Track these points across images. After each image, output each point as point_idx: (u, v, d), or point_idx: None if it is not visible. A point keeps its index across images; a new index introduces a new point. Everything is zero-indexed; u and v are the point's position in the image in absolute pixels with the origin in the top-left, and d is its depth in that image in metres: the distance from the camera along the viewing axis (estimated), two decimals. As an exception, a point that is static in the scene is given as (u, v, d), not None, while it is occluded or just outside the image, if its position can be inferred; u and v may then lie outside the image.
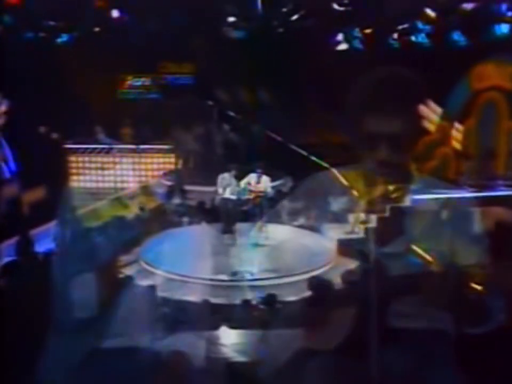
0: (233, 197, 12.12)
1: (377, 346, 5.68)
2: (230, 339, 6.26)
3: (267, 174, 12.24)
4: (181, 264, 11.10)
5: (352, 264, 11.24)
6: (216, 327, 7.46)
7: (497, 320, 6.34)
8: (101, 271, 9.34)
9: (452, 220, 12.75)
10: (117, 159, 17.57)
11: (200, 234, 12.78)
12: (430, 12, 14.01)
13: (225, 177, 12.13)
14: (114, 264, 10.93)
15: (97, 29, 16.61)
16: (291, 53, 15.77)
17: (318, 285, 8.26)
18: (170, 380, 5.53)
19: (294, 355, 5.92)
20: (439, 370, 5.45)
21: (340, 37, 16.60)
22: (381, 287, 7.52)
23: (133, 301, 8.46)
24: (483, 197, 12.55)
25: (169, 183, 15.83)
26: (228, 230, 12.18)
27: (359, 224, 12.63)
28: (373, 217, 12.73)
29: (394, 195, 12.48)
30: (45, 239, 12.32)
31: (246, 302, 9.19)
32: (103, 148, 17.59)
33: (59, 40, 16.70)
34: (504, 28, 14.37)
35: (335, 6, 15.08)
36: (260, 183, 12.06)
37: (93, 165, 17.59)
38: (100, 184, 17.49)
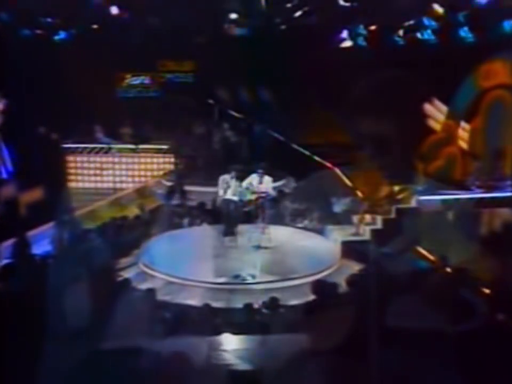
0: (235, 198, 12.00)
1: (381, 348, 5.61)
2: (231, 344, 6.13)
3: (269, 174, 12.12)
4: (181, 266, 11.00)
5: (357, 267, 11.16)
6: (217, 332, 7.32)
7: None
8: (99, 274, 9.27)
9: (459, 221, 12.69)
10: (116, 159, 17.53)
11: (201, 236, 12.70)
12: (437, 8, 13.88)
13: (226, 179, 12.00)
14: (112, 267, 10.84)
15: (95, 26, 16.50)
16: (294, 50, 15.67)
17: (323, 288, 8.16)
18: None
19: (297, 360, 5.83)
20: (442, 370, 5.39)
21: (345, 34, 16.49)
22: (386, 289, 7.43)
23: (132, 305, 8.36)
24: (491, 197, 12.47)
25: (169, 183, 15.73)
26: (230, 231, 12.07)
27: (363, 225, 12.51)
28: (378, 219, 12.70)
29: (399, 196, 12.48)
30: (42, 241, 12.24)
31: (248, 306, 9.06)
32: (102, 148, 17.56)
33: (57, 37, 16.60)
34: (512, 25, 14.25)
35: (340, 2, 14.96)
36: (262, 183, 11.92)
37: (91, 165, 17.56)
38: (99, 185, 17.45)
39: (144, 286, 10.24)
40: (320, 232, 13.02)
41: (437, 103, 15.41)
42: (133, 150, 17.54)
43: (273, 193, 12.24)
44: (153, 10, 16.19)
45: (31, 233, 12.41)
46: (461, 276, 8.58)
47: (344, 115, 15.71)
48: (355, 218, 12.72)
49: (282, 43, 16.10)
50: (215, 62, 16.57)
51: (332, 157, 15.72)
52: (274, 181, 12.87)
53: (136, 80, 18.52)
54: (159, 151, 17.48)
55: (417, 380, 5.58)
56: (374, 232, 12.34)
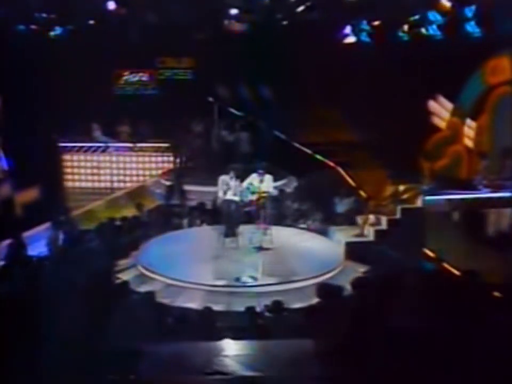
0: (236, 198, 11.87)
1: (388, 353, 5.51)
2: (232, 350, 6.01)
3: (269, 174, 12.00)
4: (181, 268, 10.91)
5: (361, 269, 11.06)
6: (218, 336, 7.21)
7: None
8: (96, 276, 9.18)
9: (466, 222, 12.59)
10: (114, 158, 17.45)
11: (201, 237, 12.59)
12: (444, 1, 13.75)
13: (225, 180, 11.90)
14: (110, 269, 10.75)
15: (92, 22, 16.40)
16: (296, 46, 15.58)
17: (328, 291, 8.06)
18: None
19: (301, 366, 5.73)
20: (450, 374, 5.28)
21: (348, 29, 16.38)
22: (392, 292, 7.33)
23: (130, 308, 8.27)
24: (499, 197, 12.36)
25: (168, 183, 15.62)
26: (230, 232, 11.94)
27: (368, 226, 12.39)
28: (383, 219, 12.59)
29: (405, 196, 12.37)
30: (38, 242, 12.15)
31: (250, 310, 8.94)
32: (99, 146, 17.49)
33: (52, 33, 16.50)
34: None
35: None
36: (263, 183, 11.80)
37: (88, 164, 17.50)
38: (96, 184, 17.41)
39: (142, 288, 10.14)
40: (323, 233, 12.90)
41: (442, 100, 15.33)
42: (131, 149, 17.48)
43: (274, 192, 12.10)
44: (152, 5, 16.07)
45: (26, 234, 12.38)
46: (469, 279, 8.48)
47: (347, 113, 15.64)
48: (359, 218, 12.59)
49: (284, 39, 16.00)
50: (215, 59, 16.49)
51: (334, 155, 15.64)
52: (276, 180, 12.77)
53: (134, 77, 18.45)
54: (157, 149, 17.43)
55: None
56: (379, 233, 12.21)
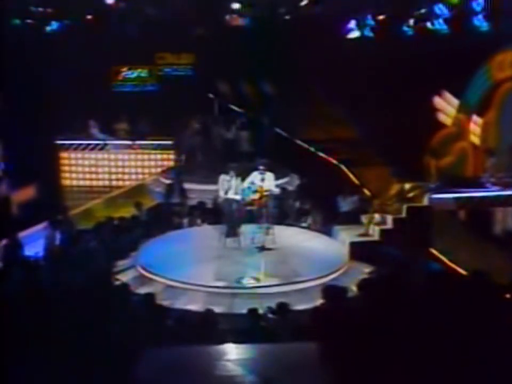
0: (237, 197, 11.77)
1: (397, 358, 5.41)
2: (235, 353, 5.91)
3: (271, 171, 11.89)
4: (181, 269, 10.80)
5: (366, 269, 10.95)
6: (220, 340, 7.11)
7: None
8: (94, 277, 9.10)
9: (473, 220, 12.49)
10: (112, 156, 17.38)
11: (202, 237, 12.48)
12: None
13: (226, 179, 11.81)
14: (108, 270, 10.67)
15: (89, 17, 16.33)
16: (299, 41, 15.51)
17: (333, 293, 7.96)
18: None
19: (306, 371, 5.64)
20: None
21: (352, 24, 16.30)
22: (400, 294, 7.23)
23: (129, 311, 8.17)
24: (508, 195, 12.25)
25: (167, 181, 15.52)
26: (232, 232, 11.85)
27: (373, 225, 12.28)
28: (389, 218, 12.48)
29: (411, 194, 12.25)
30: (35, 243, 12.06)
31: (253, 312, 8.83)
32: (97, 144, 17.42)
33: (49, 28, 16.42)
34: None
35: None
36: (264, 181, 11.68)
37: (86, 162, 17.43)
38: (94, 183, 17.34)
39: (142, 290, 10.04)
40: (327, 232, 12.79)
41: (448, 96, 15.25)
42: (130, 147, 17.41)
43: (276, 191, 11.99)
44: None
45: (23, 234, 12.31)
46: (477, 279, 8.37)
47: (350, 109, 15.57)
48: (363, 217, 12.48)
49: (287, 34, 15.93)
50: (216, 54, 16.43)
51: (337, 153, 15.58)
52: (277, 178, 12.67)
53: (133, 74, 18.38)
54: (157, 147, 17.35)
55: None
56: (384, 233, 12.10)
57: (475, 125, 14.54)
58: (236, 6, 16.34)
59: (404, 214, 12.11)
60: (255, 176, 11.69)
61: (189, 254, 11.45)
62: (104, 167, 17.36)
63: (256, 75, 16.98)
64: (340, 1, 15.17)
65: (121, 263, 11.50)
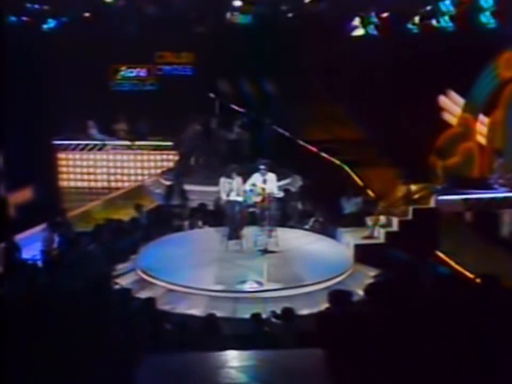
0: (239, 199, 11.70)
1: (405, 365, 5.33)
2: (238, 360, 5.82)
3: (272, 172, 11.82)
4: (182, 273, 10.71)
5: (371, 273, 10.87)
6: (223, 346, 7.02)
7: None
8: (93, 281, 9.02)
9: (481, 222, 12.40)
10: (111, 157, 17.33)
11: (203, 239, 12.40)
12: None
13: (227, 181, 11.77)
14: (108, 273, 10.60)
15: (87, 14, 16.30)
16: (302, 40, 15.48)
17: (338, 297, 7.89)
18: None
19: (311, 378, 5.56)
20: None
21: (356, 22, 16.26)
22: (406, 298, 7.15)
23: (129, 315, 8.10)
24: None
25: (168, 182, 15.45)
26: (234, 235, 11.78)
27: (378, 227, 12.19)
28: (394, 220, 12.40)
29: (417, 195, 12.17)
30: (32, 245, 11.98)
31: (256, 316, 8.75)
32: (96, 144, 17.38)
33: (45, 26, 16.37)
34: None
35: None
36: (266, 183, 11.61)
37: (84, 163, 17.40)
38: (92, 184, 17.30)
39: (142, 294, 9.94)
40: (331, 234, 12.71)
41: (453, 95, 15.20)
42: (129, 147, 17.37)
43: (279, 194, 11.91)
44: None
45: (20, 236, 12.26)
46: (485, 282, 8.30)
47: (354, 108, 15.52)
48: (368, 220, 12.39)
49: (289, 32, 15.89)
50: (216, 53, 16.39)
51: (340, 153, 15.54)
52: (279, 179, 12.59)
53: (132, 73, 18.36)
54: (156, 147, 17.32)
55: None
56: (390, 235, 12.02)
57: (481, 125, 14.48)
58: (237, 3, 16.29)
59: (410, 216, 12.04)
60: (256, 178, 11.62)
61: (190, 257, 11.37)
62: (103, 168, 17.32)
63: (258, 74, 16.94)
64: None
65: (121, 266, 11.41)
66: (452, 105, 15.32)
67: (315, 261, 11.36)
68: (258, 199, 11.44)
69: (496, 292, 8.07)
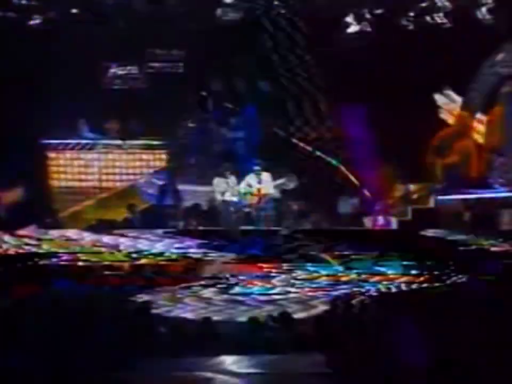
0: (234, 199, 11.68)
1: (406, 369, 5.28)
2: (235, 365, 5.83)
3: (267, 172, 11.79)
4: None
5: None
6: (218, 350, 7.00)
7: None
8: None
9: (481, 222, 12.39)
10: (102, 156, 17.22)
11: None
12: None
13: (221, 181, 11.74)
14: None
15: (75, 11, 16.20)
16: (294, 37, 15.43)
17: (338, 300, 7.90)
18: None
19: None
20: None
21: (350, 18, 16.22)
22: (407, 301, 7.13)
23: (124, 319, 8.03)
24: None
25: (160, 182, 15.36)
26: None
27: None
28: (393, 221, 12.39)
29: (415, 195, 12.14)
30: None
31: (253, 320, 8.71)
32: (86, 144, 17.27)
33: (32, 22, 16.26)
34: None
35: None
36: (261, 182, 11.60)
37: (75, 163, 17.28)
38: (83, 184, 17.19)
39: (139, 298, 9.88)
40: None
41: (450, 93, 15.19)
42: (120, 146, 17.29)
43: (275, 194, 11.90)
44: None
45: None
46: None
47: (349, 106, 15.49)
48: (366, 220, 12.39)
49: (282, 29, 15.85)
50: (208, 51, 16.32)
51: (336, 152, 15.48)
52: (274, 179, 12.59)
53: (122, 71, 18.26)
54: (148, 147, 17.23)
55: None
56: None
57: (479, 123, 14.49)
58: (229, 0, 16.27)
59: (409, 216, 12.05)
60: (251, 178, 11.62)
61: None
62: (94, 167, 17.23)
63: (251, 72, 16.88)
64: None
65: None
66: (449, 103, 15.31)
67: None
68: (253, 200, 11.43)
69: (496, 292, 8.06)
